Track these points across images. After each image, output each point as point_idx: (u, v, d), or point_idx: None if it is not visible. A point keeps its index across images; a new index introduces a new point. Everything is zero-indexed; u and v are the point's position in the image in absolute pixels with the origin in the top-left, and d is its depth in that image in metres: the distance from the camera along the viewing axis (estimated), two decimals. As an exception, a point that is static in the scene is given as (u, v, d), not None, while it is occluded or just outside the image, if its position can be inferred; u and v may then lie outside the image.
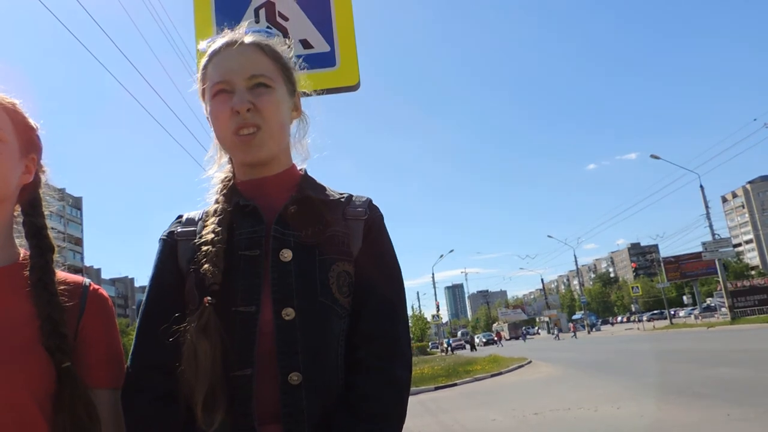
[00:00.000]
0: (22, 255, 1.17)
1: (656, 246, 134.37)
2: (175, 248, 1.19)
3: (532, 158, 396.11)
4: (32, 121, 1.22)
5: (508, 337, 79.18)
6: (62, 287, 1.14)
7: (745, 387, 8.92)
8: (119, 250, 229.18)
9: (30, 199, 1.22)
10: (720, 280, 40.29)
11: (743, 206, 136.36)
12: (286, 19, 2.42)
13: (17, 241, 1.20)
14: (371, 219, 1.21)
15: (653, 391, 9.87)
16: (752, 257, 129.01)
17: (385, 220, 1.26)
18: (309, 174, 1.28)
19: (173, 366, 1.06)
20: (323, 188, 1.25)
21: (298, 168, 1.29)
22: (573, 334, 50.67)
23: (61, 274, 1.17)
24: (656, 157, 36.82)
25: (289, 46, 1.26)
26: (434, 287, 55.34)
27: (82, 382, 1.06)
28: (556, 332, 53.25)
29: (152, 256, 1.23)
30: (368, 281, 1.15)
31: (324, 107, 1.34)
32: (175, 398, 1.06)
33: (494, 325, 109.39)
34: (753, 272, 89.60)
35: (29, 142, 1.20)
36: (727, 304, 38.43)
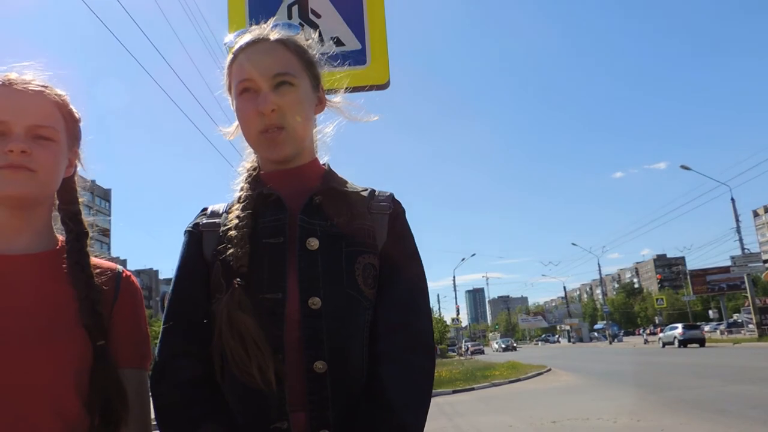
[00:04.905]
0: (60, 241, 1.21)
1: (683, 258, 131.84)
2: (201, 239, 1.20)
3: (558, 164, 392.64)
4: (77, 113, 1.23)
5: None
6: (97, 272, 1.17)
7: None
8: (145, 242, 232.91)
9: (66, 187, 1.24)
10: (748, 295, 39.33)
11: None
12: (318, 16, 2.44)
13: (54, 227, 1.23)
14: (395, 213, 1.22)
15: (675, 406, 9.69)
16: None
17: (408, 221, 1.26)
18: (332, 168, 1.28)
19: (201, 352, 1.08)
20: (345, 182, 1.26)
21: (321, 161, 1.30)
22: (645, 340, 49.91)
23: (94, 260, 1.20)
24: (687, 168, 36.13)
25: (315, 41, 1.28)
26: (455, 290, 55.09)
27: (113, 360, 1.10)
28: (619, 337, 52.10)
29: (177, 248, 1.24)
30: (393, 274, 1.16)
31: (353, 105, 1.34)
32: (204, 383, 1.08)
33: (490, 334, 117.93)
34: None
35: (74, 136, 1.22)
36: (754, 321, 37.53)
